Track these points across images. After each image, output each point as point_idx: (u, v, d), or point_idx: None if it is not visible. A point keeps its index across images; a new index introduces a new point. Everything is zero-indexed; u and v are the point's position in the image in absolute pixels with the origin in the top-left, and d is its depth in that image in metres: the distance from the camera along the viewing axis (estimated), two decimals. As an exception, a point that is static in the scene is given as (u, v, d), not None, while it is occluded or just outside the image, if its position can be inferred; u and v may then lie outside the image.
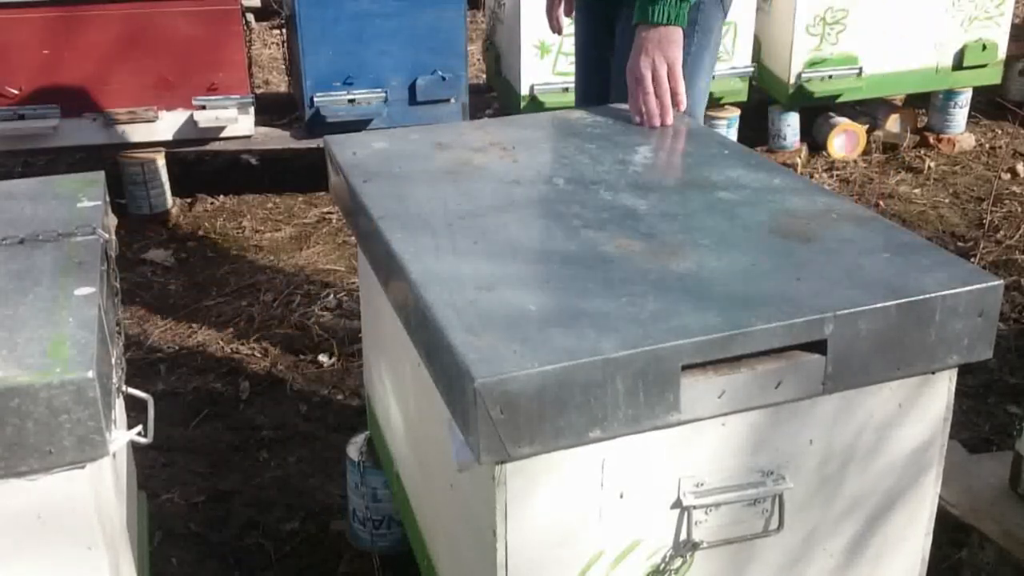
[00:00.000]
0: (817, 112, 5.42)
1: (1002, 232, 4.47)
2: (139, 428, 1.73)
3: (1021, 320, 3.78)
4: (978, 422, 3.17)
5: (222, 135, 4.67)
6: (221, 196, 4.95)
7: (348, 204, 2.08)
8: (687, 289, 1.53)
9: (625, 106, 2.34)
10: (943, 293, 1.52)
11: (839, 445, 1.60)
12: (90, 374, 1.42)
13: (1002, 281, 1.57)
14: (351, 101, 4.70)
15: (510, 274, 1.59)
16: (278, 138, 4.84)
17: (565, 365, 1.35)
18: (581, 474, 1.47)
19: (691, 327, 1.42)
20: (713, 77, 2.76)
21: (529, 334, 1.41)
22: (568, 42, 5.00)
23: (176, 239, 4.55)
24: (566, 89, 4.84)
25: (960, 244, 4.40)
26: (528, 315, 1.46)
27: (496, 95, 5.45)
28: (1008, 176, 5.15)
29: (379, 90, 4.71)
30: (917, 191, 5.01)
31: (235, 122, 4.62)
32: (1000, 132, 5.73)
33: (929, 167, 5.24)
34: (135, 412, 2.18)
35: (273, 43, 7.17)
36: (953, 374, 1.64)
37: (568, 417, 1.37)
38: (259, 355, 3.60)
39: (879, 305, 1.49)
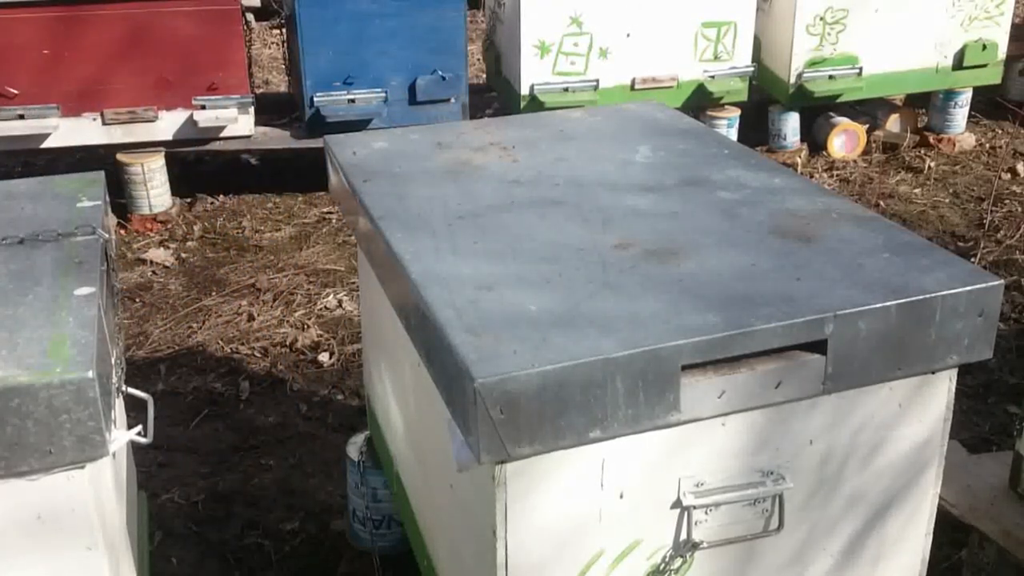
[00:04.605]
0: (817, 112, 5.42)
1: (1002, 232, 4.47)
2: (139, 428, 1.73)
3: (1021, 320, 3.78)
4: (978, 422, 3.17)
5: (222, 135, 4.67)
6: (221, 196, 4.96)
7: (348, 204, 2.08)
8: (687, 289, 1.53)
9: (628, 105, 2.34)
10: (943, 293, 1.52)
11: (839, 445, 1.60)
12: (90, 374, 1.42)
13: (1002, 281, 1.57)
14: (351, 101, 4.70)
15: (510, 274, 1.59)
16: (278, 138, 4.85)
17: (565, 365, 1.35)
18: (581, 474, 1.47)
19: (691, 327, 1.42)
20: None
21: (529, 334, 1.40)
22: (569, 42, 5.04)
23: (176, 239, 4.55)
24: (566, 89, 4.85)
25: (960, 244, 4.40)
26: (528, 315, 1.46)
27: (496, 95, 5.45)
28: (1008, 176, 5.15)
29: (379, 90, 4.72)
30: (917, 191, 5.01)
31: (235, 122, 4.62)
32: (1000, 132, 5.73)
33: (929, 167, 5.24)
34: (135, 412, 2.18)
35: (273, 43, 7.18)
36: (953, 374, 1.64)
37: (568, 417, 1.37)
38: (259, 355, 3.60)
39: (879, 305, 1.49)
